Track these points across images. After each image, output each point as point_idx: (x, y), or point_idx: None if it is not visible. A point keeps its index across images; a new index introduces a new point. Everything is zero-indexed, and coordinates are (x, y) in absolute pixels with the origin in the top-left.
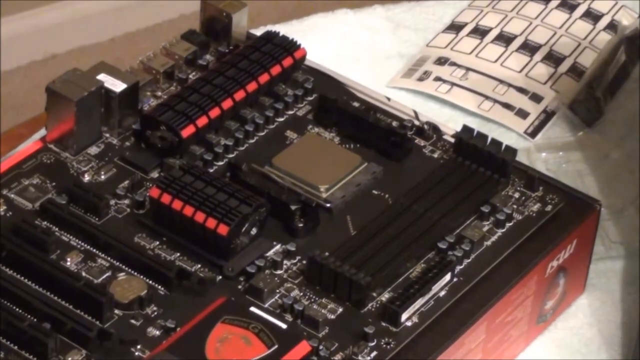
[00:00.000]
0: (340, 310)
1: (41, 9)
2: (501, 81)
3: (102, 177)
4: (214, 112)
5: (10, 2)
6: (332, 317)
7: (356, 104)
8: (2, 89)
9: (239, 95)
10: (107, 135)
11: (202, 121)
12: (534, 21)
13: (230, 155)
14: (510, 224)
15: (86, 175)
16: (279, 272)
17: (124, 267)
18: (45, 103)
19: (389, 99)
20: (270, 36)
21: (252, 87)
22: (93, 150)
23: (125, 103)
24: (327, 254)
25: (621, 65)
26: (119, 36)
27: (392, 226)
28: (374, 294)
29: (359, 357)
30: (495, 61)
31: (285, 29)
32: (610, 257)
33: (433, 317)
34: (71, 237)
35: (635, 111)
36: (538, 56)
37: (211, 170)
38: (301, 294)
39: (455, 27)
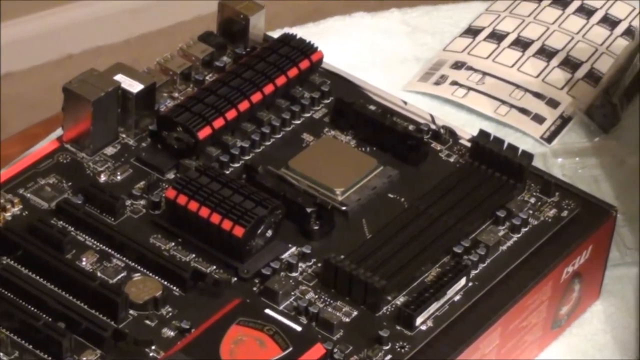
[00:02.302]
0: (355, 313)
1: (57, 9)
2: (518, 86)
3: (118, 177)
4: (231, 114)
5: (26, 3)
6: (347, 320)
7: (372, 108)
8: (18, 88)
9: (256, 97)
10: (124, 135)
11: (218, 123)
12: (551, 26)
13: (247, 157)
14: (526, 229)
15: (102, 176)
16: (294, 274)
17: (139, 267)
18: (61, 103)
19: (405, 102)
20: (287, 38)
21: (268, 89)
22: (109, 150)
23: (142, 104)
24: (342, 257)
25: (638, 71)
26: (134, 37)
27: (407, 230)
28: (389, 298)
29: None
30: (512, 66)
31: (302, 32)
32: (625, 263)
33: (448, 322)
34: (87, 237)
35: None
36: (555, 61)
37: (227, 172)
38: (316, 296)
39: (472, 32)
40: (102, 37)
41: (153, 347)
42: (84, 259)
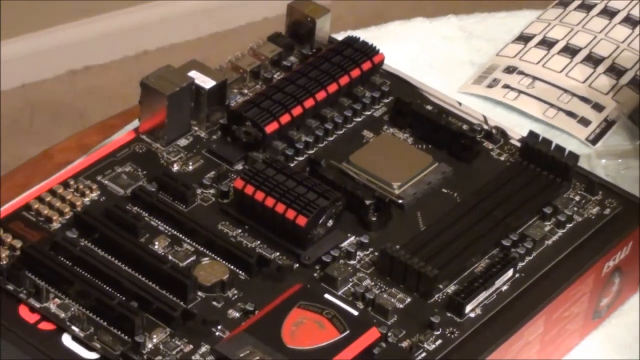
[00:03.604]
0: (409, 300)
1: (135, 8)
2: (566, 90)
3: (190, 167)
4: (296, 111)
5: (104, 2)
6: (401, 306)
7: (429, 107)
8: (97, 81)
9: (320, 95)
10: (196, 128)
11: (285, 118)
12: (598, 35)
13: (310, 152)
14: (571, 225)
15: (175, 165)
16: (352, 262)
17: (207, 252)
18: (137, 96)
19: (460, 103)
20: (350, 41)
21: (332, 88)
22: (182, 142)
23: (213, 99)
24: (397, 247)
25: None
26: (205, 36)
27: (459, 223)
28: (441, 286)
29: (425, 345)
30: (561, 71)
31: (365, 35)
32: None
33: (495, 310)
34: (159, 222)
35: None
36: (601, 68)
37: (292, 165)
38: (372, 283)
39: (524, 38)
40: (176, 35)
41: (219, 327)
42: (156, 243)
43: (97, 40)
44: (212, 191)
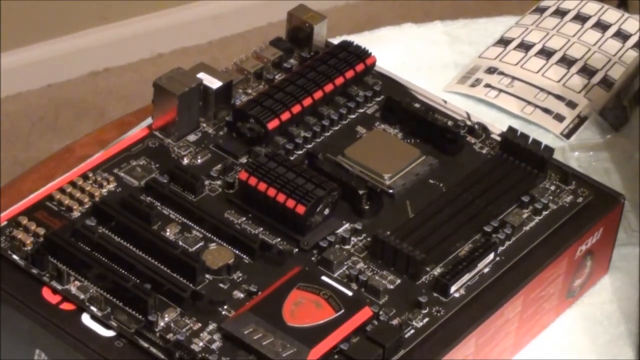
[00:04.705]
0: (399, 281)
1: (149, 16)
2: (542, 89)
3: (199, 161)
4: (296, 108)
5: (122, 9)
6: (391, 287)
7: (417, 105)
8: (116, 82)
9: (318, 94)
10: (204, 125)
11: (285, 116)
12: (571, 39)
13: (309, 146)
14: (547, 212)
15: (185, 159)
16: (347, 247)
17: (214, 238)
18: (151, 96)
19: (445, 101)
20: (345, 45)
21: (328, 88)
22: (191, 137)
23: (220, 98)
24: (388, 233)
25: None
26: (215, 40)
27: (445, 211)
28: (428, 269)
29: (413, 322)
30: (537, 72)
31: (358, 39)
32: (631, 243)
33: (478, 290)
34: (171, 211)
35: None
36: (574, 69)
37: (292, 158)
38: (365, 266)
39: (503, 42)
40: (187, 39)
41: (225, 307)
42: (168, 230)
43: (116, 45)
44: (218, 182)
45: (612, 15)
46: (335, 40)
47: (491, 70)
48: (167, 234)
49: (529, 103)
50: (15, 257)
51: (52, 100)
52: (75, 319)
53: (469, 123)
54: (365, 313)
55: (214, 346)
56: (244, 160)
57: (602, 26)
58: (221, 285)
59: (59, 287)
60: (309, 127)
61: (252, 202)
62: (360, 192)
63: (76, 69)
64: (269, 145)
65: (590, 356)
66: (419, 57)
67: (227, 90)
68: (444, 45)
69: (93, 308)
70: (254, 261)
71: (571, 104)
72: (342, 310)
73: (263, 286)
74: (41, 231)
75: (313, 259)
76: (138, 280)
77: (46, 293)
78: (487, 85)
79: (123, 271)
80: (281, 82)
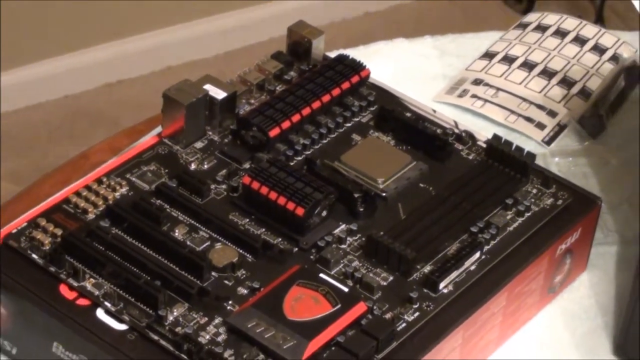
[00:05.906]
0: (391, 278)
1: (160, 31)
2: (524, 99)
3: (205, 166)
4: (296, 117)
5: (135, 25)
6: (384, 283)
7: (408, 114)
8: (128, 93)
9: (316, 104)
10: (210, 133)
11: (286, 124)
12: (552, 52)
13: (307, 152)
14: (529, 214)
15: (192, 165)
16: (343, 246)
17: (220, 238)
18: (161, 106)
19: (434, 111)
20: (341, 58)
21: (326, 98)
22: (198, 144)
23: (225, 108)
24: (382, 233)
25: (621, 89)
26: (220, 54)
27: (434, 213)
28: (418, 267)
29: (405, 317)
30: (520, 83)
31: (354, 53)
32: (607, 242)
33: (465, 287)
34: (179, 213)
35: (630, 127)
36: (554, 80)
37: (292, 164)
38: (360, 264)
39: (489, 55)
40: (195, 53)
41: (230, 302)
42: (176, 231)
43: (129, 58)
44: (224, 186)
45: (589, 30)
46: (332, 54)
47: (477, 82)
48: (176, 234)
49: (513, 112)
50: (34, 256)
51: (69, 110)
52: (90, 314)
53: (456, 131)
54: (360, 308)
55: (219, 339)
56: (247, 165)
57: (580, 41)
58: (226, 282)
59: (75, 284)
60: (308, 134)
61: (254, 204)
62: (356, 195)
63: (92, 81)
64: (270, 151)
65: (570, 347)
66: (410, 70)
67: (231, 101)
68: (434, 58)
69: (107, 303)
70: (257, 260)
71: (552, 113)
72: (339, 305)
73: (265, 283)
74: (59, 232)
75: (312, 257)
76: (149, 278)
77: (63, 290)
78: (474, 96)
79: (135, 269)
80: (282, 93)
